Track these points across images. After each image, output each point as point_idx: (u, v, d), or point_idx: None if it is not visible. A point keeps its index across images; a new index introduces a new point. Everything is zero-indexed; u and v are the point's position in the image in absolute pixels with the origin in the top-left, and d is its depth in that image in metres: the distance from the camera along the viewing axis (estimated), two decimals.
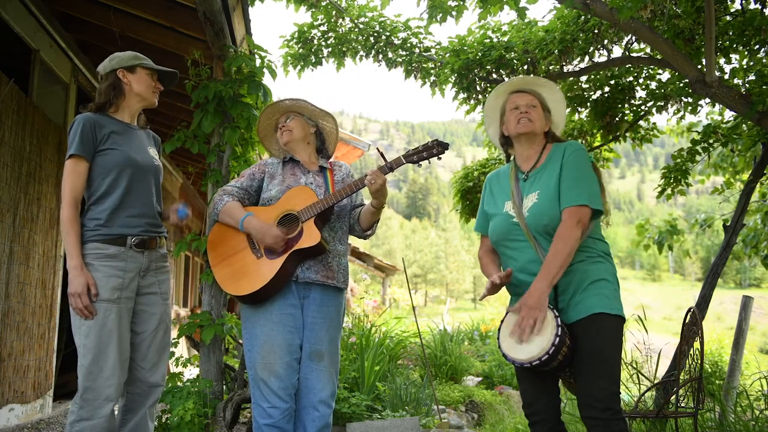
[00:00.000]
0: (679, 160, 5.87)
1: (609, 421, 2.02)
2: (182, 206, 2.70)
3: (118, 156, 2.49)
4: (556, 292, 2.23)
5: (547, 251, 2.19)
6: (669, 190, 5.98)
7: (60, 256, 4.82)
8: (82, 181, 2.44)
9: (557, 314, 2.09)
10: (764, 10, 4.48)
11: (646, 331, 5.05)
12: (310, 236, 2.59)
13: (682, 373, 3.71)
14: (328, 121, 2.96)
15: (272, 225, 2.62)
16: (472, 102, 5.61)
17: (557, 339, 2.04)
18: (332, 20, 5.99)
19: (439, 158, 2.64)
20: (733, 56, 4.97)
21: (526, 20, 5.07)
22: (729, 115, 5.74)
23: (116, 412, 2.53)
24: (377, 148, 3.02)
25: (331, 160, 2.99)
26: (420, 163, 2.65)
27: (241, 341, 3.75)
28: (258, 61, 4.08)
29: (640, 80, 5.71)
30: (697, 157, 5.84)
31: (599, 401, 2.05)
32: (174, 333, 4.02)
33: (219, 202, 2.71)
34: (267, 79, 4.06)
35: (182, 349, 8.61)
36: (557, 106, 2.44)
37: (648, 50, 5.16)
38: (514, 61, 5.09)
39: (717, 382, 6.86)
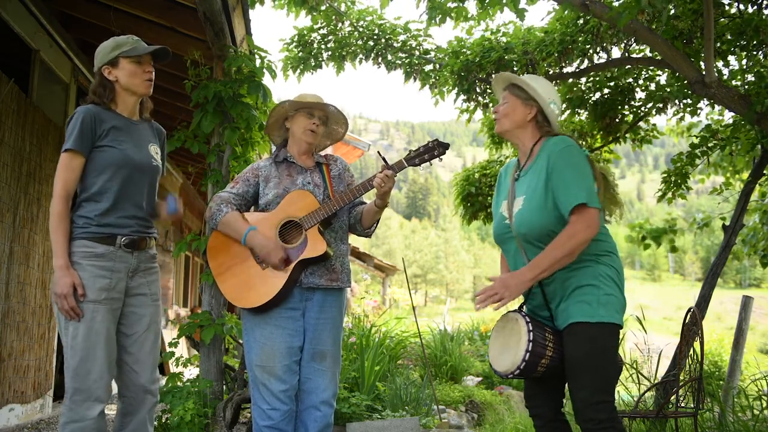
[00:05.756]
0: (679, 164, 5.89)
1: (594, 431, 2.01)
2: (172, 200, 2.57)
3: (116, 154, 2.39)
4: (546, 300, 2.20)
5: (531, 259, 2.13)
6: (670, 194, 6.02)
7: None
8: (75, 176, 2.36)
9: (530, 328, 2.06)
10: (762, 10, 4.48)
11: (645, 331, 5.05)
12: (315, 246, 2.56)
13: (682, 373, 3.72)
14: (342, 127, 2.92)
15: (277, 242, 2.57)
16: (472, 105, 5.62)
17: (527, 354, 2.04)
18: (332, 24, 5.99)
19: (440, 159, 2.62)
20: (731, 58, 4.98)
21: (526, 26, 5.08)
22: (729, 115, 5.75)
23: (113, 415, 2.51)
24: (378, 152, 2.99)
25: (326, 153, 2.94)
26: (422, 165, 2.63)
27: (241, 341, 3.75)
28: (258, 62, 4.08)
29: (640, 81, 5.72)
30: (697, 161, 5.87)
31: (579, 412, 2.04)
32: (174, 333, 4.01)
33: (217, 213, 2.64)
34: (267, 80, 4.07)
35: (182, 349, 8.60)
36: (536, 86, 2.26)
37: (647, 51, 5.16)
38: (514, 62, 5.09)
39: (717, 382, 6.85)
